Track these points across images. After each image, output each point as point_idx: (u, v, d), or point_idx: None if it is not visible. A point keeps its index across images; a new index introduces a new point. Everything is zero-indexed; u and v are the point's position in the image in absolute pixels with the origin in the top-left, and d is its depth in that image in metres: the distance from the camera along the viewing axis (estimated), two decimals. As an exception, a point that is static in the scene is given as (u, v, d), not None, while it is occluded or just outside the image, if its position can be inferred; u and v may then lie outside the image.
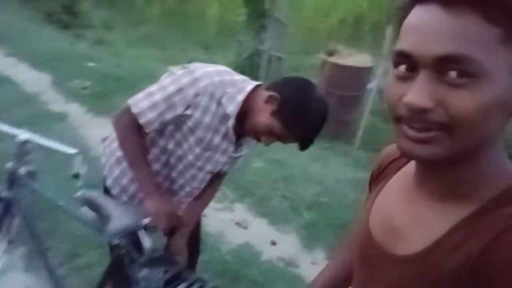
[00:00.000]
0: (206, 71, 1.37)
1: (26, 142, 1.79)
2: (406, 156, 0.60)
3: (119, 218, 1.45)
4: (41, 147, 1.83)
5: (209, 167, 1.50)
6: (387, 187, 0.73)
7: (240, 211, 3.17)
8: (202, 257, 1.99)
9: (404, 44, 0.55)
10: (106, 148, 1.64)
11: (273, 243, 2.87)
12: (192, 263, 1.95)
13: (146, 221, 1.43)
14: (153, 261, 1.51)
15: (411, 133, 0.55)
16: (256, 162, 3.74)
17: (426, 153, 0.55)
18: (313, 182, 3.62)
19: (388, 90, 0.58)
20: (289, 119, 1.34)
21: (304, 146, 1.40)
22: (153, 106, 1.36)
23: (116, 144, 1.53)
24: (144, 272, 1.48)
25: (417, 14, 0.54)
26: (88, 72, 5.55)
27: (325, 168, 3.98)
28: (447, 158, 0.55)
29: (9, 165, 1.83)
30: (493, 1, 0.50)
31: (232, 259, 2.66)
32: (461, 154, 0.56)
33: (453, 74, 0.51)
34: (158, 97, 1.36)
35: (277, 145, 4.52)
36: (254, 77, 6.07)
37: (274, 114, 1.35)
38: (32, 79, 5.18)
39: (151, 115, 1.37)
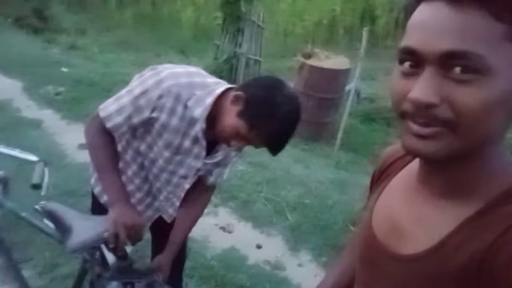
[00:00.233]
0: (173, 72, 1.30)
1: None
2: (409, 153, 0.59)
3: (79, 233, 1.37)
4: (4, 155, 1.73)
5: (181, 171, 1.43)
6: (390, 187, 0.72)
7: (224, 215, 3.13)
8: (187, 263, 1.95)
9: (409, 40, 0.55)
10: None
11: (259, 247, 2.85)
12: (178, 269, 1.91)
13: (106, 234, 1.34)
14: (121, 274, 1.45)
15: (415, 128, 0.55)
16: (238, 166, 3.71)
17: (429, 149, 0.55)
18: (296, 184, 3.62)
19: (393, 86, 0.58)
20: (255, 119, 1.23)
21: (273, 149, 1.29)
22: (120, 109, 1.31)
23: None
24: (112, 286, 1.44)
25: (423, 11, 0.54)
26: (62, 78, 5.41)
27: (307, 169, 3.99)
28: (449, 155, 0.55)
29: None
30: None
31: (218, 264, 2.62)
32: (464, 152, 0.55)
33: (458, 70, 0.51)
34: (125, 100, 1.31)
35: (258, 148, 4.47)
36: (232, 80, 6.07)
37: (239, 114, 1.25)
38: (3, 85, 5.01)
39: (118, 119, 1.32)
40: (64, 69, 5.78)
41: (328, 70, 4.82)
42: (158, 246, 1.80)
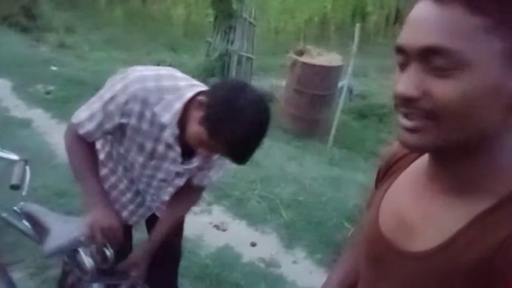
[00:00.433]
0: (141, 75, 1.24)
1: None
2: (402, 145, 0.61)
3: (57, 236, 1.36)
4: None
5: (160, 175, 1.40)
6: (397, 183, 0.71)
7: (218, 213, 3.11)
8: (181, 262, 1.93)
9: (399, 38, 0.57)
10: None
11: (253, 245, 2.84)
12: (173, 270, 1.88)
13: (83, 237, 1.34)
14: (101, 276, 1.43)
15: (403, 122, 0.57)
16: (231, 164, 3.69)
17: (416, 142, 0.56)
18: (290, 181, 3.61)
19: (394, 83, 0.60)
20: (214, 126, 1.15)
21: (236, 158, 1.20)
22: (92, 116, 1.29)
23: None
24: None
25: (414, 9, 0.56)
26: (51, 77, 5.34)
27: (301, 167, 3.98)
28: (436, 148, 0.57)
29: None
30: None
31: (212, 262, 2.60)
32: (459, 146, 0.56)
33: (437, 64, 0.52)
34: (95, 106, 1.29)
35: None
36: (224, 78, 6.03)
37: (201, 121, 1.17)
38: (-10, 85, 4.93)
39: (89, 126, 1.30)
40: (54, 68, 5.71)
41: (321, 67, 4.81)
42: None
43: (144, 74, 1.25)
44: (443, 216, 0.60)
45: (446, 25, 0.51)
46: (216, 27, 6.16)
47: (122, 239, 1.38)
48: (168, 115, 1.23)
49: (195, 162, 1.37)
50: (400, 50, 0.56)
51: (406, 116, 0.57)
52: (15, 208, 1.59)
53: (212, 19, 6.38)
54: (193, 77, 1.39)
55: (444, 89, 0.52)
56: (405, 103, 0.55)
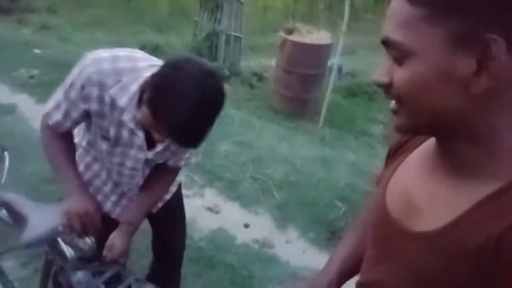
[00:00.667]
0: (96, 57, 1.18)
1: None
2: None
3: (34, 226, 1.33)
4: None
5: (129, 163, 1.35)
6: (405, 164, 0.72)
7: (211, 196, 3.10)
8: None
9: None
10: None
11: (246, 226, 2.84)
12: (177, 259, 1.86)
13: (61, 226, 1.31)
14: (84, 264, 1.41)
15: (391, 104, 0.62)
16: (223, 145, 3.67)
17: (396, 123, 0.62)
18: (281, 162, 3.61)
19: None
20: (155, 106, 1.06)
21: (181, 141, 1.11)
22: (57, 106, 1.26)
23: (77, 139, 1.44)
24: (77, 276, 1.39)
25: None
26: (35, 60, 5.20)
27: (292, 147, 3.97)
28: (413, 129, 0.63)
29: None
30: None
31: (207, 245, 2.61)
32: (437, 128, 0.59)
33: (392, 54, 0.58)
34: (60, 95, 1.25)
35: (243, 126, 4.45)
36: (212, 58, 5.90)
37: (146, 101, 1.09)
38: (-28, 70, 4.78)
39: (57, 116, 1.27)
40: (37, 51, 5.56)
41: (311, 46, 4.75)
42: (158, 237, 1.77)
43: (100, 57, 1.18)
44: (449, 197, 0.60)
45: (394, 18, 0.56)
46: (202, 5, 6.01)
47: (101, 225, 1.34)
48: (125, 98, 1.17)
49: (159, 147, 1.30)
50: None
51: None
52: None
53: (198, -2, 6.23)
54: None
55: (398, 77, 0.57)
56: (382, 89, 0.61)
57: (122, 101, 1.17)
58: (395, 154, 0.78)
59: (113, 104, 1.19)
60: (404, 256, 0.64)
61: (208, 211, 2.94)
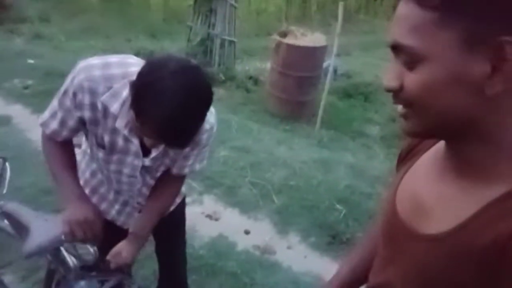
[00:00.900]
0: (87, 65, 1.17)
1: None
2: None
3: (36, 236, 1.33)
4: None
5: (126, 170, 1.33)
6: (416, 166, 0.73)
7: (210, 202, 3.08)
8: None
9: None
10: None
11: (247, 232, 2.82)
12: (181, 274, 1.85)
13: (63, 235, 1.31)
14: (87, 273, 1.41)
15: (398, 109, 0.62)
16: (220, 151, 3.65)
17: (406, 127, 0.62)
18: (280, 166, 3.59)
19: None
20: (136, 107, 1.03)
21: (167, 140, 1.08)
22: (53, 114, 1.25)
23: (84, 146, 1.45)
24: (80, 286, 1.39)
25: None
26: (28, 70, 5.17)
27: (290, 150, 3.96)
28: (423, 133, 0.63)
29: None
30: None
31: (207, 253, 2.58)
32: (448, 132, 0.59)
33: (402, 59, 0.58)
34: (55, 103, 1.24)
35: (240, 131, 4.42)
36: (207, 63, 5.88)
37: (130, 104, 1.06)
38: (-36, 81, 4.75)
39: (53, 125, 1.26)
40: (31, 61, 5.52)
41: (305, 48, 4.75)
42: (160, 248, 1.75)
43: (90, 64, 1.17)
44: (458, 199, 0.61)
45: (403, 22, 0.56)
46: (196, 10, 6.01)
47: (101, 232, 1.34)
48: (116, 105, 1.16)
49: (153, 152, 1.28)
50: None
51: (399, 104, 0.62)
52: None
53: (191, 3, 6.22)
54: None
55: (410, 81, 0.57)
56: (391, 93, 0.60)
57: (114, 107, 1.16)
58: (405, 158, 0.78)
59: (105, 111, 1.19)
60: (413, 258, 0.65)
61: (208, 218, 2.92)
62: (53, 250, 1.40)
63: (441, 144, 0.67)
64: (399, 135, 4.33)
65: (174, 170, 1.39)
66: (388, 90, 0.60)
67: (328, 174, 3.56)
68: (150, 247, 1.82)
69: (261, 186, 3.28)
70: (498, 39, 0.51)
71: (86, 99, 1.17)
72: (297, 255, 2.68)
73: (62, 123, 1.25)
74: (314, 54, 4.83)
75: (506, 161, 0.57)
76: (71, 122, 1.24)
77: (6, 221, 1.52)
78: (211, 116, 1.23)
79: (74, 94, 1.17)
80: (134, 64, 1.19)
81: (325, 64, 5.12)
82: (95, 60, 1.18)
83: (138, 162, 1.30)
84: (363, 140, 4.74)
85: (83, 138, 1.45)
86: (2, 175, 1.62)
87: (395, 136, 4.67)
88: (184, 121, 1.02)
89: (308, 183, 3.38)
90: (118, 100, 1.16)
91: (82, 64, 1.18)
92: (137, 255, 1.38)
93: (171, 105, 0.98)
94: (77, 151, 1.47)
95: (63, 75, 4.49)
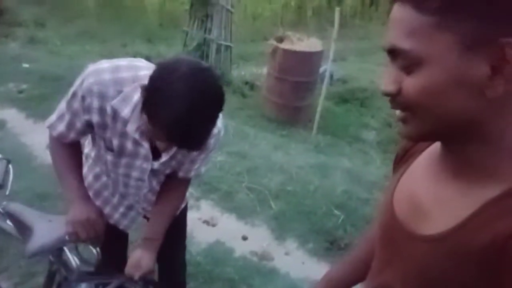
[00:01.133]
0: (97, 68, 1.17)
1: None
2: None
3: (39, 236, 1.35)
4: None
5: (134, 174, 1.33)
6: (412, 168, 0.73)
7: (207, 208, 3.06)
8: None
9: None
10: None
11: (244, 238, 2.81)
12: (180, 279, 1.84)
13: (67, 236, 1.32)
14: (88, 276, 1.42)
15: (396, 113, 0.62)
16: (217, 156, 3.63)
17: (404, 131, 0.62)
18: (277, 171, 3.58)
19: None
20: (149, 110, 1.03)
21: (181, 143, 1.07)
22: (61, 117, 1.26)
23: (86, 150, 1.46)
24: None
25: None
26: (23, 74, 5.13)
27: (287, 155, 3.95)
28: (423, 137, 0.62)
29: None
30: None
31: (204, 259, 2.56)
32: (448, 134, 0.59)
33: (400, 63, 0.57)
34: (62, 105, 1.25)
35: (237, 136, 4.41)
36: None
37: (142, 108, 1.07)
38: (-42, 86, 4.70)
39: (60, 128, 1.27)
40: (26, 65, 5.48)
41: (302, 53, 4.76)
42: (161, 252, 1.74)
43: (100, 67, 1.17)
44: (455, 200, 0.61)
45: (400, 26, 0.56)
46: (192, 15, 6.00)
47: (103, 233, 1.34)
48: (128, 109, 1.16)
49: (164, 157, 1.28)
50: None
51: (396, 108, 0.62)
52: None
53: (188, 8, 6.22)
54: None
55: (408, 85, 0.56)
56: (389, 98, 0.60)
57: (125, 112, 1.16)
58: (402, 160, 0.78)
59: (115, 115, 1.18)
60: (412, 259, 0.64)
61: (205, 224, 2.90)
62: (56, 251, 1.41)
63: (437, 145, 0.67)
64: (395, 140, 4.35)
65: (181, 174, 1.39)
66: (386, 95, 0.60)
67: (325, 179, 3.55)
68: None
69: (258, 192, 3.27)
70: (498, 41, 0.51)
71: (95, 103, 1.17)
72: (295, 261, 2.66)
73: (70, 125, 1.25)
74: (310, 59, 4.83)
75: (505, 161, 0.57)
76: (79, 125, 1.24)
77: (9, 222, 1.54)
78: (218, 120, 1.22)
79: (83, 98, 1.17)
80: (143, 68, 1.20)
81: (321, 69, 5.13)
82: (104, 64, 1.18)
83: (147, 166, 1.31)
84: (359, 145, 4.75)
85: (86, 142, 1.46)
86: (6, 176, 1.63)
87: (391, 141, 4.68)
88: (196, 123, 1.02)
89: (305, 189, 3.37)
90: (129, 104, 1.16)
91: (91, 67, 1.18)
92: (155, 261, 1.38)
93: (183, 108, 0.98)
94: None
95: (58, 80, 4.49)
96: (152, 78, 1.03)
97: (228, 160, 3.64)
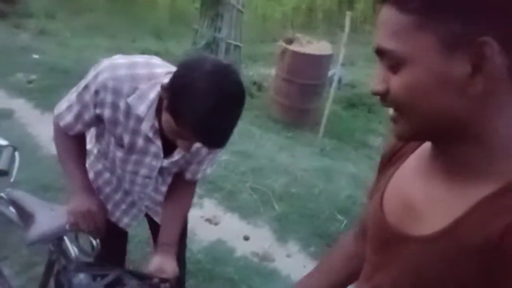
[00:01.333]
0: (112, 63, 1.16)
1: None
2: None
3: (40, 224, 1.36)
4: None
5: (143, 171, 1.33)
6: (401, 169, 0.72)
7: (210, 206, 3.05)
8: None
9: None
10: None
11: (246, 238, 2.79)
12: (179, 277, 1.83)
13: (67, 225, 1.33)
14: (87, 266, 1.43)
15: (389, 112, 0.63)
16: (222, 155, 3.62)
17: (395, 130, 0.63)
18: (281, 173, 3.57)
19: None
20: (175, 109, 1.03)
21: (207, 140, 1.07)
22: (69, 107, 1.25)
23: (89, 146, 1.44)
24: (79, 278, 1.38)
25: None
26: (33, 65, 5.15)
27: (292, 158, 3.94)
28: (412, 136, 0.62)
29: None
30: None
31: (205, 257, 2.55)
32: (437, 133, 0.59)
33: (386, 63, 0.59)
34: (73, 97, 1.24)
35: (243, 136, 4.40)
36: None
37: (165, 107, 1.07)
38: (-32, 74, 4.73)
39: (68, 118, 1.26)
40: (35, 56, 5.51)
41: (311, 56, 4.74)
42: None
43: (116, 62, 1.16)
44: (447, 200, 0.60)
45: (385, 27, 0.57)
46: (203, 13, 6.01)
47: (104, 225, 1.35)
48: (143, 107, 1.15)
49: (176, 155, 1.28)
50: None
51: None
52: (1, 194, 1.56)
53: (198, 6, 6.23)
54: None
55: (394, 84, 0.58)
56: (379, 97, 0.61)
57: (141, 109, 1.15)
58: (389, 162, 0.77)
59: (128, 111, 1.17)
60: (406, 261, 0.64)
61: (207, 222, 2.89)
62: (56, 240, 1.42)
63: (427, 145, 0.67)
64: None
65: (188, 176, 1.39)
66: (375, 94, 0.61)
67: (330, 183, 3.53)
68: (149, 248, 1.80)
69: (261, 192, 3.25)
70: (478, 39, 0.51)
71: (109, 98, 1.16)
72: (296, 263, 2.64)
73: (78, 117, 1.25)
74: (319, 62, 4.82)
75: (495, 160, 0.57)
76: (87, 117, 1.24)
77: (11, 208, 1.55)
78: None
79: (96, 92, 1.15)
80: (159, 65, 1.19)
81: (330, 73, 5.11)
82: (120, 59, 1.17)
83: (156, 163, 1.30)
84: (365, 150, 4.72)
85: (88, 139, 1.44)
86: (12, 163, 1.64)
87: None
88: (223, 121, 1.02)
89: (309, 192, 3.35)
90: (145, 102, 1.15)
91: (106, 62, 1.17)
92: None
93: (210, 106, 0.98)
94: None
95: (66, 71, 4.51)
96: (176, 78, 1.03)
97: (233, 160, 3.63)
